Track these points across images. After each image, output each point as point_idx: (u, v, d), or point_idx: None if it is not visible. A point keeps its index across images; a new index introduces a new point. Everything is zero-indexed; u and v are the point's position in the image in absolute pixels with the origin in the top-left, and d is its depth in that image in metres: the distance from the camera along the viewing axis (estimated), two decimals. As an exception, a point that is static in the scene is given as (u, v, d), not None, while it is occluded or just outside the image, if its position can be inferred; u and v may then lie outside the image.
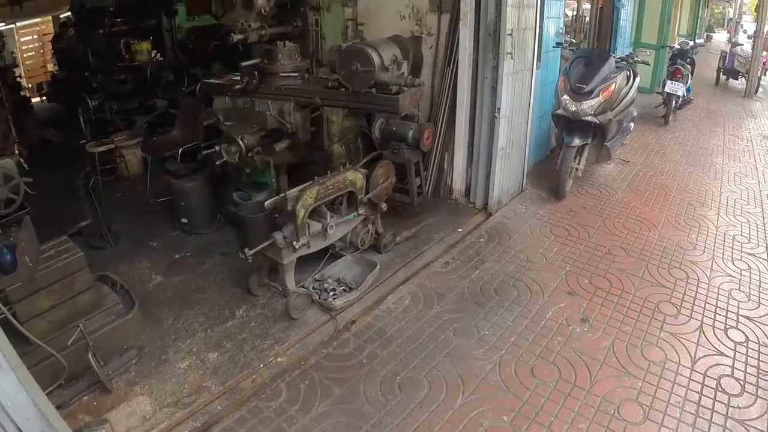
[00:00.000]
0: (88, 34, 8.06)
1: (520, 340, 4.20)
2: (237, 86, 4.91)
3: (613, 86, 6.35)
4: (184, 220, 5.92)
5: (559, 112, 6.46)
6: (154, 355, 4.14)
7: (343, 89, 4.55)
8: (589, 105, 6.22)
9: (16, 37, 12.70)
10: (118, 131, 7.30)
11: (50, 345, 3.71)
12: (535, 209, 6.37)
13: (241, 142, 4.81)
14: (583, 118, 6.25)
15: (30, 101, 9.45)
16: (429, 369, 3.92)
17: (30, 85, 11.70)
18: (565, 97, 6.37)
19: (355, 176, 4.76)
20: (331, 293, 4.68)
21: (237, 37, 4.59)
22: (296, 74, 4.94)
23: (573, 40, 7.56)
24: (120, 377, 3.91)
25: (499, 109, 5.76)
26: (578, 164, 6.63)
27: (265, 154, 5.04)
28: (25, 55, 13.19)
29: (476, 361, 3.98)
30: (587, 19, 10.79)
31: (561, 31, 7.49)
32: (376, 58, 4.29)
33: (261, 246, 4.37)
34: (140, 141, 6.95)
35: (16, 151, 5.28)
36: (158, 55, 7.33)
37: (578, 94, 6.28)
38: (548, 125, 7.69)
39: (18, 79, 9.96)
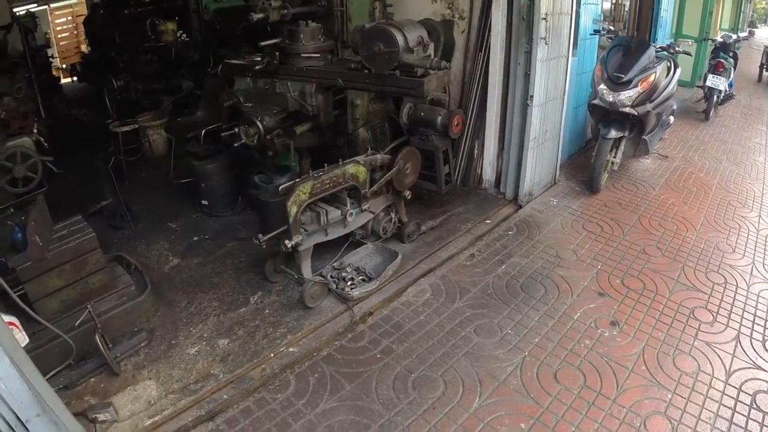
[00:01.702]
0: (116, 14, 7.94)
1: (545, 342, 3.90)
2: (257, 67, 4.70)
3: (652, 77, 5.97)
4: (205, 202, 5.77)
5: (596, 102, 6.10)
6: (164, 338, 4.02)
7: (366, 71, 4.30)
8: (627, 95, 5.86)
9: (50, 19, 12.70)
10: (144, 111, 7.17)
11: (60, 325, 3.65)
12: (567, 203, 6.02)
13: (259, 124, 4.60)
14: (620, 109, 5.88)
15: (59, 81, 9.41)
16: (446, 368, 3.66)
17: (64, 66, 11.68)
18: (602, 86, 6.01)
19: (356, 169, 4.45)
20: (349, 283, 4.45)
21: (257, 16, 4.40)
22: (318, 55, 4.71)
23: (611, 28, 7.12)
24: (129, 360, 3.81)
25: (531, 96, 5.44)
26: (614, 157, 6.26)
27: (286, 137, 4.82)
28: (59, 36, 13.21)
29: (496, 362, 3.71)
30: (626, 7, 10.30)
31: (599, 18, 7.09)
32: (399, 39, 4.02)
33: (275, 232, 4.16)
34: (165, 122, 6.81)
35: (35, 130, 5.21)
36: (184, 35, 7.15)
37: (616, 84, 5.92)
38: (584, 116, 7.33)
39: (51, 59, 9.93)
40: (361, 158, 4.51)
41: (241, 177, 5.80)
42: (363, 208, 4.63)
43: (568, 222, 5.59)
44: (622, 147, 6.28)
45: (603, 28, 6.78)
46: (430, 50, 4.36)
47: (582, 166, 6.86)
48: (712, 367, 3.69)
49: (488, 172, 6.15)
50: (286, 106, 4.77)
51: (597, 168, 6.05)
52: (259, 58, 4.85)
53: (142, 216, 5.91)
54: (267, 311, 4.30)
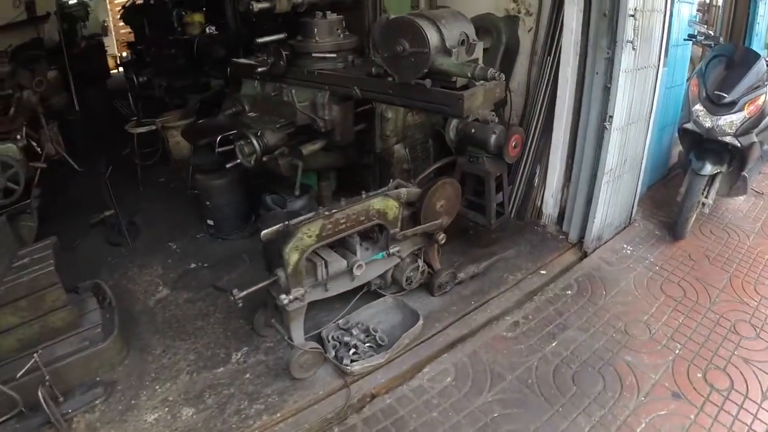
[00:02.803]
0: (145, 3, 7.10)
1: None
2: (259, 69, 3.61)
3: (762, 98, 4.45)
4: (210, 222, 4.77)
5: (689, 126, 4.62)
6: (125, 396, 3.21)
7: (390, 79, 3.12)
8: (728, 121, 4.38)
9: (109, 7, 12.01)
10: (169, 111, 6.24)
11: (17, 365, 3.03)
12: (644, 252, 4.59)
13: (255, 142, 3.49)
14: (719, 137, 4.42)
15: (106, 72, 8.68)
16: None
17: (124, 54, 10.98)
18: (699, 107, 4.54)
19: (385, 204, 3.29)
20: (351, 351, 3.32)
21: (259, 5, 3.32)
22: (335, 55, 3.55)
23: (710, 32, 5.49)
24: (83, 416, 3.09)
25: (611, 117, 4.10)
26: (706, 197, 4.78)
27: (294, 157, 3.71)
28: (120, 25, 12.45)
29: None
30: (720, 10, 8.57)
31: (694, 19, 5.55)
32: (431, 36, 2.79)
33: (256, 287, 3.08)
34: (190, 123, 5.81)
35: (19, 136, 4.51)
36: (213, 28, 6.16)
37: (716, 105, 4.43)
38: (669, 139, 5.85)
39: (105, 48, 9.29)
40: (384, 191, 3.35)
41: (253, 195, 4.74)
42: (390, 251, 3.47)
43: (643, 280, 4.18)
44: (716, 185, 4.77)
45: (699, 32, 5.21)
46: (479, 52, 3.08)
47: (664, 201, 5.38)
48: None
49: (550, 206, 4.83)
50: (294, 118, 3.64)
51: (685, 211, 4.62)
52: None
53: (145, 230, 5.06)
54: (248, 375, 3.32)
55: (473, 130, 4.32)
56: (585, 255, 4.48)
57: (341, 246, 3.33)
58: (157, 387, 3.26)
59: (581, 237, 4.56)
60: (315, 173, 4.38)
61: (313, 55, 3.51)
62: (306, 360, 3.19)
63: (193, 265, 4.47)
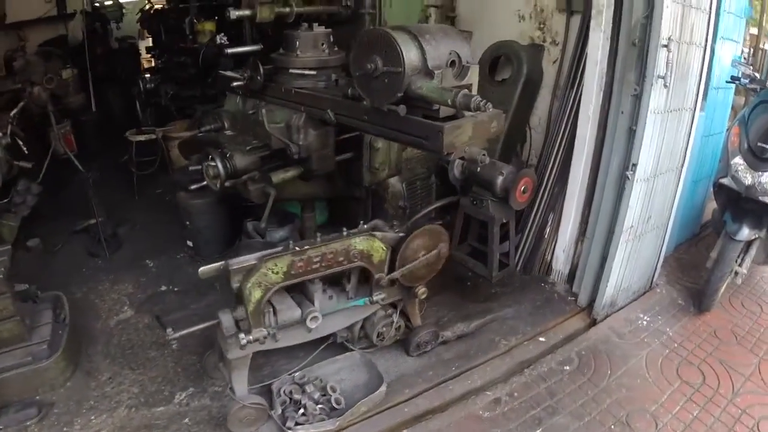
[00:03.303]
0: (163, 9, 6.90)
1: None
2: (234, 83, 3.17)
3: None
4: (189, 243, 4.36)
5: (725, 181, 3.94)
6: (59, 421, 2.95)
7: (365, 102, 2.60)
8: None
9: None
10: (175, 120, 5.91)
11: None
12: (662, 324, 3.86)
13: (220, 164, 3.02)
14: (759, 197, 3.72)
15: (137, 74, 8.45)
16: None
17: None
18: (738, 160, 3.87)
19: (370, 245, 2.78)
20: (300, 411, 2.80)
21: (237, 13, 2.87)
22: (315, 72, 3.05)
23: (756, 75, 4.74)
24: None
25: (634, 165, 3.49)
26: (740, 266, 4.04)
27: (267, 184, 3.22)
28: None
29: None
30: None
31: (739, 60, 4.86)
32: (409, 53, 2.25)
33: (193, 328, 2.61)
34: (194, 134, 5.44)
35: (1, 134, 4.20)
36: (224, 38, 5.78)
37: (758, 160, 3.75)
38: (704, 193, 5.15)
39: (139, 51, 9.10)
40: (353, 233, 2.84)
41: (236, 218, 4.31)
42: (374, 298, 2.99)
43: (658, 359, 3.48)
44: (752, 251, 4.07)
45: (743, 74, 4.51)
46: (472, 77, 2.50)
47: (692, 264, 4.67)
48: None
49: (560, 261, 4.20)
50: (269, 140, 3.17)
51: (714, 281, 3.92)
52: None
53: (127, 243, 4.74)
54: (187, 420, 2.93)
55: (479, 169, 3.78)
56: (594, 323, 3.82)
57: (300, 291, 2.83)
58: (92, 417, 2.97)
59: (592, 300, 3.91)
60: (299, 203, 3.92)
61: (291, 71, 3.03)
62: (247, 415, 2.72)
63: (163, 288, 4.10)
